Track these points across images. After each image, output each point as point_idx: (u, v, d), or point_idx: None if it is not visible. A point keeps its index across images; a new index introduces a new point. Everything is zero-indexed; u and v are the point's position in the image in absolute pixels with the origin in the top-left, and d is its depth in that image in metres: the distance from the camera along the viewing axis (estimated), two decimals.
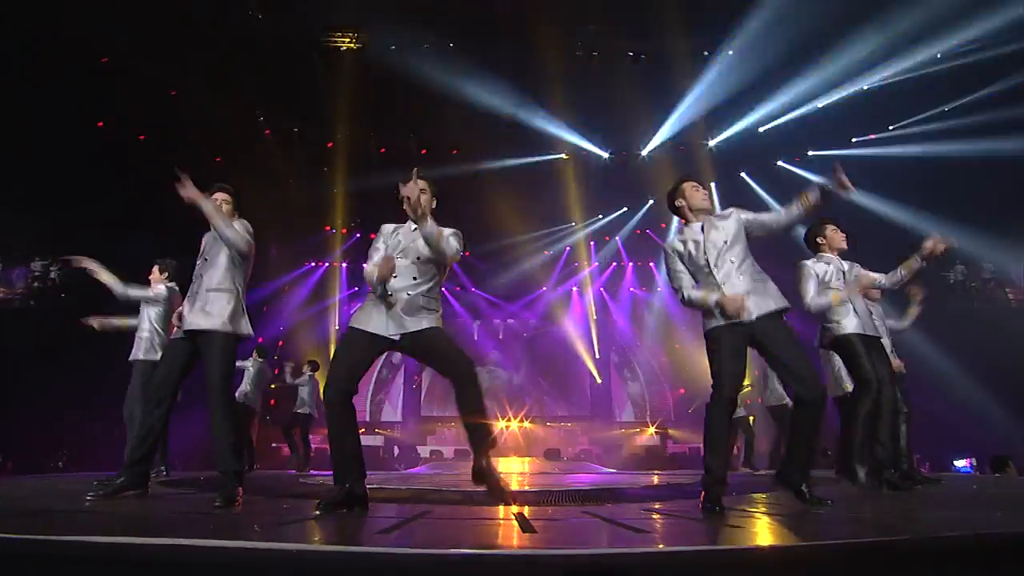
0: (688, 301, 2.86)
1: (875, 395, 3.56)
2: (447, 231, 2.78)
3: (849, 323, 3.69)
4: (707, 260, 2.81)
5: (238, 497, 2.81)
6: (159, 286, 4.72)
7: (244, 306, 3.13)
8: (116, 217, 8.18)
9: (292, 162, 11.69)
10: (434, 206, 2.91)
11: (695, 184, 2.99)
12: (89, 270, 4.37)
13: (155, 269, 4.79)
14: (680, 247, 2.92)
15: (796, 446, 2.75)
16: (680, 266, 2.91)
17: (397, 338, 2.69)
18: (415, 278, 2.76)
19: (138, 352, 4.68)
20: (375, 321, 2.71)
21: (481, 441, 2.64)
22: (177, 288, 4.73)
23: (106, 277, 4.40)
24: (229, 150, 10.51)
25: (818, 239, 3.92)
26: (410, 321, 2.70)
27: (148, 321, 4.73)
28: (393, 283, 2.72)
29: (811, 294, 3.67)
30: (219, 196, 3.22)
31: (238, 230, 3.08)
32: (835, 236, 3.91)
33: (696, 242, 2.87)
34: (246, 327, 3.09)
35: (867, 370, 3.57)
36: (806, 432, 2.70)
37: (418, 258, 2.78)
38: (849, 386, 4.07)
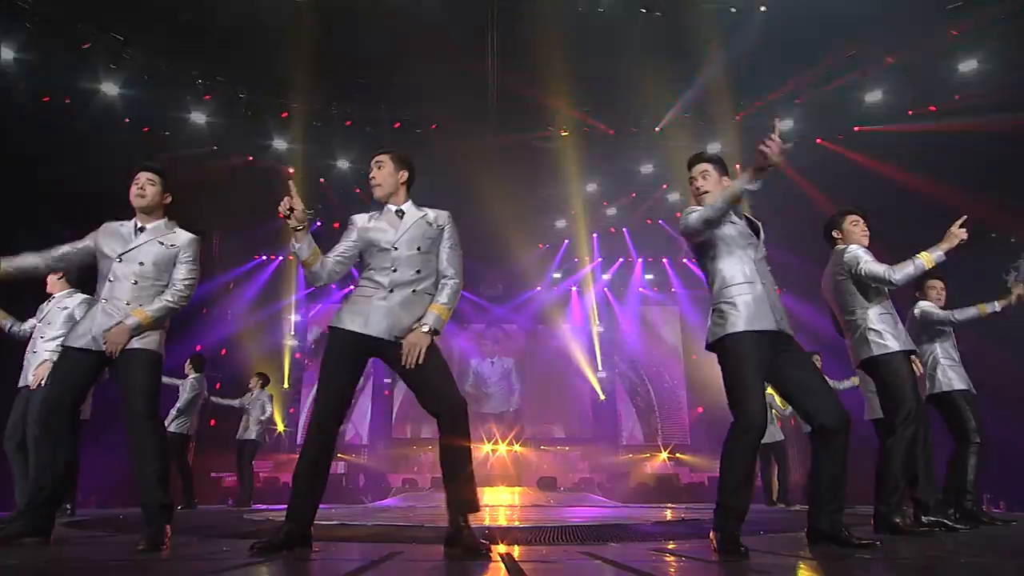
0: (711, 209, 2.70)
1: (916, 425, 3.55)
2: (445, 242, 2.91)
3: (899, 339, 3.62)
4: (749, 233, 2.87)
5: (166, 538, 2.76)
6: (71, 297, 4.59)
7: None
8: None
9: (238, 135, 11.54)
10: (404, 180, 2.96)
11: (705, 169, 2.99)
12: None
13: (51, 275, 4.62)
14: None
15: (822, 487, 2.73)
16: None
17: (393, 340, 2.71)
18: (418, 271, 2.82)
19: (28, 377, 4.61)
20: (371, 319, 2.72)
21: (463, 502, 2.62)
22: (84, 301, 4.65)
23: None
24: (160, 119, 10.36)
25: (833, 232, 3.85)
26: (412, 322, 2.74)
27: (44, 339, 4.63)
28: (392, 277, 2.78)
29: (879, 266, 3.59)
30: (143, 176, 3.15)
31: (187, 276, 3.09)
32: (853, 229, 3.80)
33: (735, 222, 2.90)
34: (163, 347, 3.06)
35: (911, 399, 3.53)
36: (832, 469, 2.70)
37: (418, 248, 2.83)
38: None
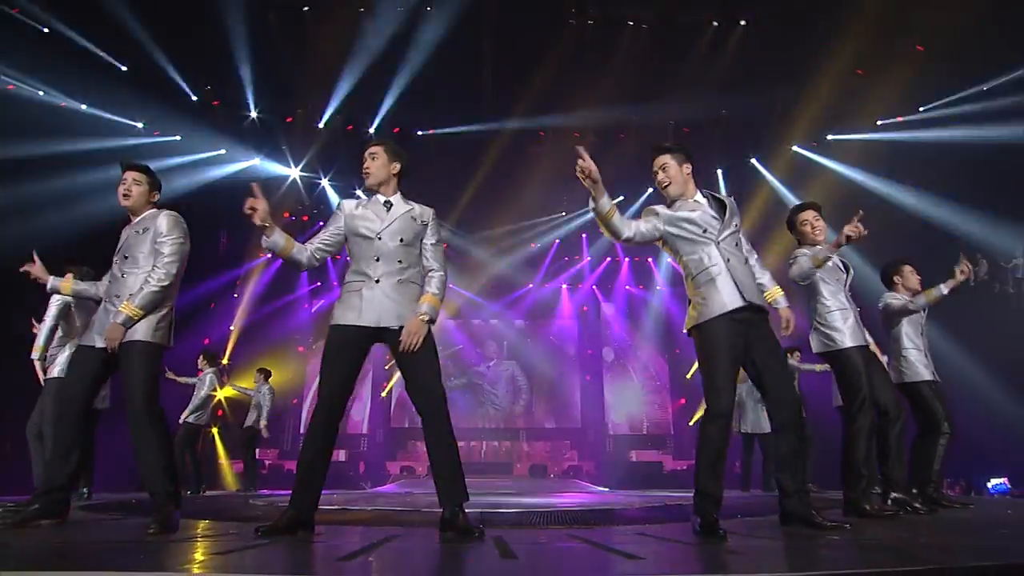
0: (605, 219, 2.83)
1: (874, 415, 3.58)
2: (429, 238, 2.91)
3: (847, 334, 3.59)
4: (706, 228, 2.84)
5: (175, 521, 2.76)
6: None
7: (173, 314, 3.01)
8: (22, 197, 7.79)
9: (244, 137, 11.47)
10: (396, 171, 2.93)
11: (664, 163, 2.96)
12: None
13: (67, 277, 4.61)
14: (670, 212, 2.92)
15: (782, 470, 2.79)
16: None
17: (396, 327, 2.72)
18: (400, 261, 2.80)
19: (52, 370, 4.72)
20: (366, 311, 2.72)
21: (451, 489, 2.63)
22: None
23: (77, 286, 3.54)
24: (166, 121, 10.26)
25: (792, 231, 3.87)
26: (406, 308, 2.75)
27: (63, 334, 4.78)
28: (377, 267, 2.77)
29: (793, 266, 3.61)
30: (129, 176, 3.06)
31: (170, 239, 2.95)
32: (804, 229, 3.77)
33: (695, 210, 2.89)
34: (168, 337, 2.97)
35: (865, 389, 3.54)
36: (787, 452, 2.75)
37: (401, 240, 2.82)
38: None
